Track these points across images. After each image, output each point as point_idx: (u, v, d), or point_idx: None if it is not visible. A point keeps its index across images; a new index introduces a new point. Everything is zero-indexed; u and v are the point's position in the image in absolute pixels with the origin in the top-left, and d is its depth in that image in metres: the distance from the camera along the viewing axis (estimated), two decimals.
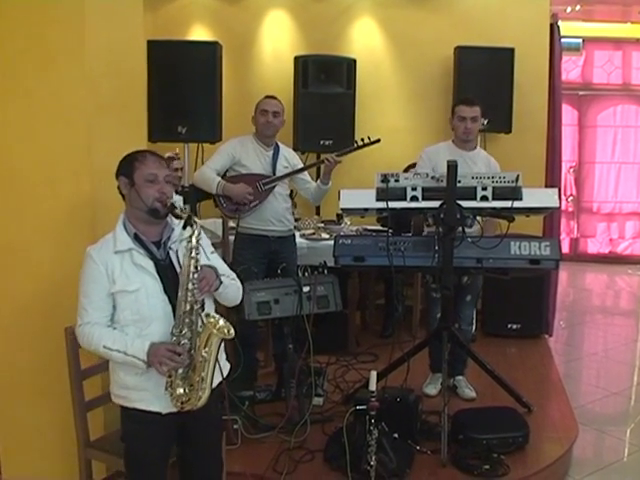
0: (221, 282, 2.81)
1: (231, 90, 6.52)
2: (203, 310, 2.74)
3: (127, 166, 2.79)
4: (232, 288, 2.94)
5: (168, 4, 7.00)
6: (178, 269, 2.77)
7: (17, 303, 3.63)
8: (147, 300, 2.72)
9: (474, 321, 5.01)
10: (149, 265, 2.75)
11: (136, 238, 2.77)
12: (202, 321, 2.71)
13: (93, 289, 2.72)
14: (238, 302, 3.04)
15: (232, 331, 2.69)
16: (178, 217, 2.76)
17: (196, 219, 2.75)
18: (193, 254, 2.68)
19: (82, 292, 2.75)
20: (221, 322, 2.69)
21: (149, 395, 2.75)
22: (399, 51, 6.88)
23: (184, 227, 2.76)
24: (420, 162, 4.66)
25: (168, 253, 2.83)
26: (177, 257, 2.82)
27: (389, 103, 6.92)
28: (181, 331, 2.68)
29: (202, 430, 2.91)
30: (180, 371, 2.68)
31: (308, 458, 3.85)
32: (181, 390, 2.70)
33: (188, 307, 2.68)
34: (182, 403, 2.71)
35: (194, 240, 2.70)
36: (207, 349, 2.69)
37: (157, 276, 2.75)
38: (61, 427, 3.56)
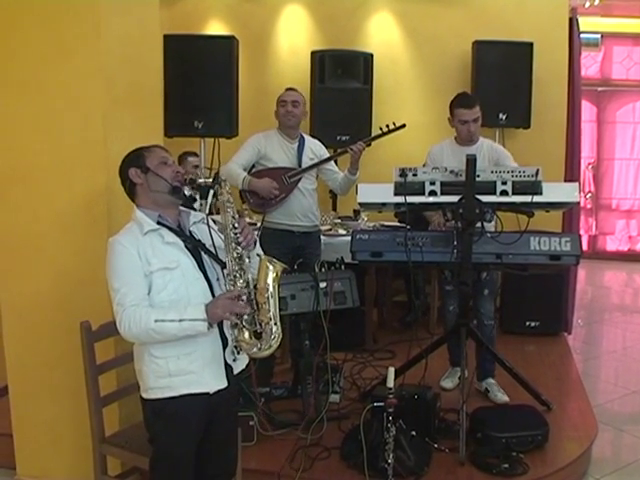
0: (255, 240, 2.87)
1: (247, 85, 6.53)
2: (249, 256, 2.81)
3: (135, 158, 2.83)
4: (260, 250, 2.97)
5: None
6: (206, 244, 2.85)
7: (32, 297, 3.62)
8: (184, 278, 2.73)
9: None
10: (180, 243, 2.78)
11: (159, 222, 2.78)
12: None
13: (130, 273, 2.68)
14: None
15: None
16: (204, 185, 2.83)
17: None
18: (229, 205, 2.77)
19: (117, 279, 2.68)
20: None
21: (196, 377, 2.74)
22: (416, 46, 6.85)
23: (212, 186, 2.81)
24: (427, 160, 4.69)
25: (191, 234, 2.86)
26: (200, 237, 2.87)
27: (406, 98, 6.89)
28: (235, 278, 2.72)
29: (220, 421, 2.89)
30: (246, 316, 2.70)
31: (324, 455, 3.82)
32: (248, 337, 2.72)
33: (236, 254, 2.74)
34: (256, 348, 2.73)
35: (226, 194, 2.79)
36: (269, 283, 2.76)
37: (189, 253, 2.78)
38: (76, 423, 3.55)
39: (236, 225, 2.75)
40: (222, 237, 2.78)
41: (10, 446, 3.86)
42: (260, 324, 2.73)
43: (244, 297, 2.69)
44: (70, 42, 3.41)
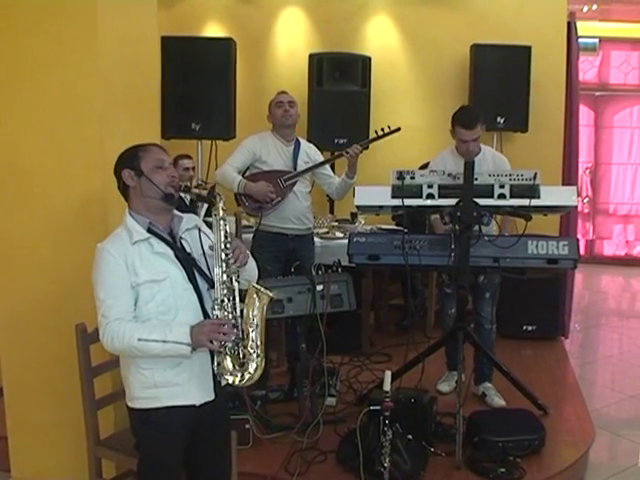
0: (247, 256, 2.81)
1: (245, 87, 6.53)
2: (238, 280, 2.73)
3: (131, 158, 2.77)
4: (253, 263, 2.92)
5: (183, 0, 6.98)
6: (195, 256, 2.79)
7: (28, 299, 3.61)
8: (172, 290, 2.68)
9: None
10: (170, 253, 2.73)
11: (149, 230, 2.73)
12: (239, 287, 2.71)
13: (116, 284, 2.64)
14: (256, 279, 2.95)
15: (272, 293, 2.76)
16: (198, 195, 2.78)
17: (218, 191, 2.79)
18: (222, 225, 2.69)
19: (103, 289, 2.65)
20: (261, 287, 2.73)
21: (182, 389, 2.71)
22: (415, 49, 6.85)
23: (207, 200, 2.75)
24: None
25: (182, 243, 2.81)
26: (190, 246, 2.81)
27: (404, 101, 6.89)
28: (222, 303, 2.66)
29: (210, 430, 2.86)
30: (229, 344, 2.63)
31: (320, 459, 3.80)
32: (231, 366, 2.65)
33: (225, 277, 2.66)
34: (237, 378, 2.67)
35: (221, 211, 2.72)
36: (255, 313, 2.70)
37: (179, 264, 2.73)
38: (71, 425, 3.52)
39: (228, 246, 2.69)
40: (213, 253, 2.72)
41: (5, 448, 3.84)
42: (243, 354, 2.68)
43: (230, 325, 2.64)
44: (67, 43, 3.39)
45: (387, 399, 3.31)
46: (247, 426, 3.86)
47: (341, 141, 6.27)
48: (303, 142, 4.95)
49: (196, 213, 4.38)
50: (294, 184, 4.74)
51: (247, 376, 2.67)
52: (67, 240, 3.48)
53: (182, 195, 4.73)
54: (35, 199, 3.52)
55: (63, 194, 3.48)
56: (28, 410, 3.73)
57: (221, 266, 2.66)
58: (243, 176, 4.74)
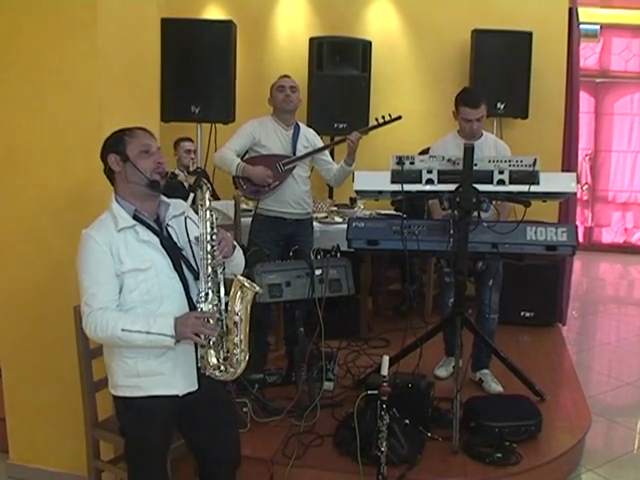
0: (235, 246, 2.79)
1: (245, 70, 6.50)
2: (224, 272, 2.70)
3: (116, 142, 2.73)
4: (239, 252, 2.90)
5: None
6: (180, 244, 2.77)
7: (25, 281, 3.61)
8: (157, 278, 2.66)
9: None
10: (155, 241, 2.71)
11: (135, 217, 2.71)
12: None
13: (100, 272, 2.62)
14: (242, 269, 2.95)
15: (258, 287, 2.72)
16: (186, 184, 2.75)
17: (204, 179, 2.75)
18: (208, 215, 2.66)
19: (87, 277, 2.63)
20: (246, 281, 2.69)
21: (165, 379, 2.70)
22: (415, 34, 6.82)
23: (193, 190, 2.72)
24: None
25: (167, 230, 2.79)
26: (176, 233, 2.79)
27: (404, 86, 6.86)
28: (207, 296, 2.64)
29: (209, 413, 2.86)
30: (213, 338, 2.63)
31: (317, 443, 3.81)
32: (214, 360, 2.65)
33: (210, 270, 2.64)
34: (219, 372, 2.67)
35: (207, 201, 2.68)
36: (239, 308, 2.67)
37: (164, 252, 2.71)
38: (69, 407, 3.54)
39: (214, 237, 2.66)
40: (198, 243, 2.69)
41: (3, 430, 3.85)
42: (227, 349, 2.67)
43: (214, 319, 2.63)
44: (67, 24, 3.38)
45: (384, 384, 3.31)
46: (245, 409, 3.88)
47: (341, 125, 6.25)
48: (303, 126, 4.94)
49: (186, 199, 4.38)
50: (293, 168, 4.73)
51: (231, 370, 2.68)
52: (65, 223, 3.47)
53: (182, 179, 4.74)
54: (33, 181, 3.52)
55: (61, 176, 3.48)
56: (26, 392, 3.74)
57: (206, 258, 2.65)
58: (242, 159, 4.74)
